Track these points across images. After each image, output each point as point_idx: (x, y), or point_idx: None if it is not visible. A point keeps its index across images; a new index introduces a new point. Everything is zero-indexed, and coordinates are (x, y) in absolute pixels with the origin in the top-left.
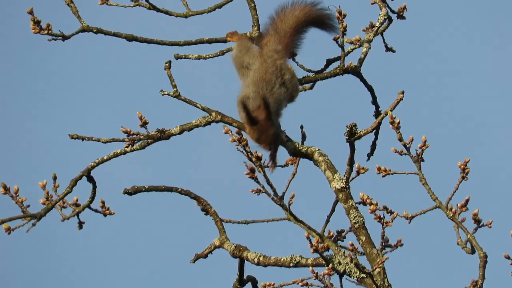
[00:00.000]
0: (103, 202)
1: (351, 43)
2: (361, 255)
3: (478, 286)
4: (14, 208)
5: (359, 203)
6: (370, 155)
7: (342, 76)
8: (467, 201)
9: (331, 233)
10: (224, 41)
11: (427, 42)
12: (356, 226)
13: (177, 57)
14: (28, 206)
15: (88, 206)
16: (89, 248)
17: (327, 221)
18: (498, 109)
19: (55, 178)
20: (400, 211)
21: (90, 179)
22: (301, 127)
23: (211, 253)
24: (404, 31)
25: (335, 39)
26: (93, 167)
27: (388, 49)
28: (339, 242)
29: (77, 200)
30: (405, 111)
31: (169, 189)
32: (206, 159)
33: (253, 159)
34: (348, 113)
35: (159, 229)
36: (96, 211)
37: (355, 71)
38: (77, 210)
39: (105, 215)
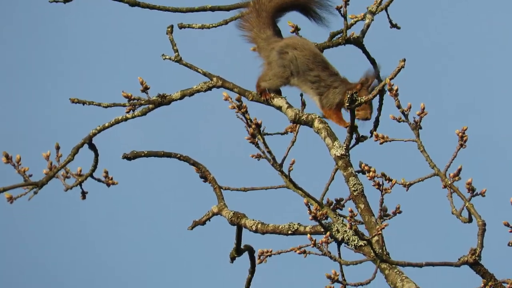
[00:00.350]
0: (106, 172)
1: (355, 17)
2: (360, 224)
3: (476, 254)
4: (17, 178)
5: (358, 171)
6: (373, 131)
7: (344, 47)
8: (460, 170)
9: (330, 201)
10: (228, 9)
11: (431, 16)
12: (355, 193)
13: (181, 26)
14: (31, 175)
15: (91, 175)
16: (92, 216)
17: (326, 188)
18: (500, 80)
19: (58, 147)
20: (398, 179)
21: (92, 147)
22: (301, 95)
23: (209, 220)
24: (409, 6)
25: (338, 9)
26: (94, 134)
27: (393, 25)
28: (338, 210)
29: (80, 171)
30: (407, 82)
31: (168, 155)
32: (206, 126)
33: (253, 126)
34: None
35: (158, 196)
36: (99, 180)
37: (358, 42)
38: (80, 180)
39: (108, 185)
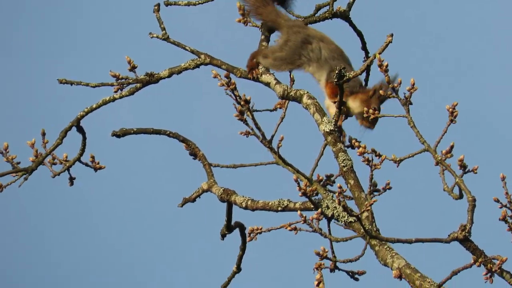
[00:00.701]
0: (93, 157)
1: None
2: (350, 200)
3: (466, 231)
4: (5, 166)
5: (348, 147)
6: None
7: (331, 21)
8: (452, 147)
9: (320, 178)
10: None
11: None
12: (344, 169)
13: (167, 4)
14: (19, 163)
15: (79, 159)
16: (81, 199)
17: (316, 164)
18: (490, 54)
19: (43, 134)
20: (388, 155)
21: (80, 130)
22: (290, 71)
23: (199, 197)
24: None
25: None
26: (82, 117)
27: None
28: (328, 186)
29: (66, 157)
30: (395, 56)
31: (158, 132)
32: (195, 104)
33: (242, 103)
34: None
35: (148, 173)
36: (86, 165)
37: (344, 16)
38: (67, 165)
39: (95, 169)
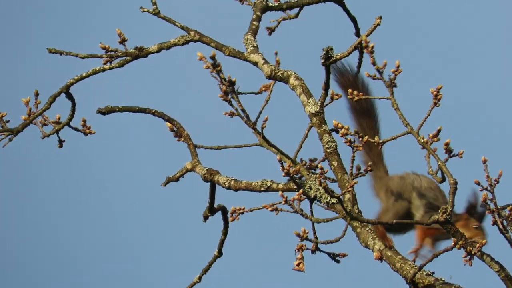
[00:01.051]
0: (84, 121)
1: None
2: (333, 182)
3: (447, 213)
4: None
5: (332, 130)
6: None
7: (324, 5)
8: (439, 131)
9: (304, 162)
10: None
11: None
12: (328, 151)
13: None
14: (8, 121)
15: (68, 124)
16: (67, 167)
17: (300, 146)
18: (478, 36)
19: (37, 94)
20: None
21: (69, 96)
22: (276, 53)
23: (183, 177)
24: None
25: None
26: (72, 84)
27: None
28: (311, 171)
29: (59, 118)
30: (384, 40)
31: (143, 110)
32: (181, 84)
33: (226, 83)
34: (331, 44)
35: (131, 152)
36: (76, 129)
37: (338, 0)
38: (57, 128)
39: (85, 134)
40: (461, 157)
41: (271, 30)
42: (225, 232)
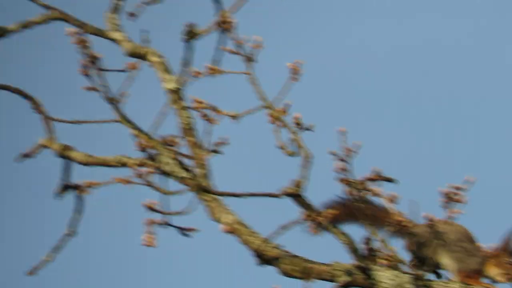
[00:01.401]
0: None
1: None
2: (190, 158)
3: (298, 186)
4: None
5: (191, 108)
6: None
7: None
8: (288, 105)
9: (162, 138)
10: None
11: None
12: (186, 127)
13: None
14: None
15: None
16: None
17: (157, 123)
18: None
19: None
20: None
21: None
22: (142, 31)
23: (37, 153)
24: None
25: None
26: None
27: None
28: (167, 146)
29: None
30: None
31: (0, 87)
32: (45, 60)
33: (87, 59)
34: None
35: None
36: None
37: None
38: None
39: None
40: (313, 131)
41: (134, 15)
42: (79, 211)
